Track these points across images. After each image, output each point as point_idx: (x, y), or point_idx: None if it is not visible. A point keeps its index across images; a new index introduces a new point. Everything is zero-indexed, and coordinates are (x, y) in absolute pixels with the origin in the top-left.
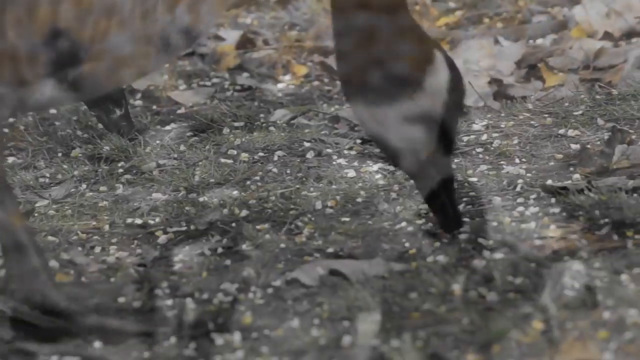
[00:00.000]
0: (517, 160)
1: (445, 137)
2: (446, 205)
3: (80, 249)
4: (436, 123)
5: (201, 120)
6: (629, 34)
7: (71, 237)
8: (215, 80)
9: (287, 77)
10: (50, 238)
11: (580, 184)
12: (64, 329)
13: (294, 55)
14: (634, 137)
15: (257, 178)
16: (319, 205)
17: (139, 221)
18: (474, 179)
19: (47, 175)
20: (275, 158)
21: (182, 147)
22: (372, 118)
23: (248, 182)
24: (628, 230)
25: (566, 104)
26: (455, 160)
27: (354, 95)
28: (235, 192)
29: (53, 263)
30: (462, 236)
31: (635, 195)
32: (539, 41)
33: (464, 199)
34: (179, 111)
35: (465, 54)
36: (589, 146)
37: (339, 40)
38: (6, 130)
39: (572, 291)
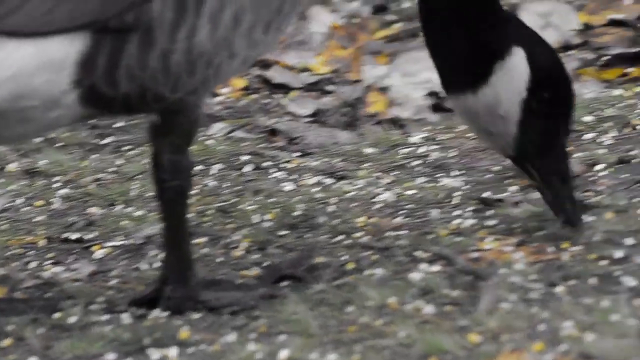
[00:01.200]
0: (454, 173)
1: (545, 136)
2: (564, 198)
3: (16, 263)
4: (510, 121)
5: (139, 134)
6: (565, 46)
7: (7, 252)
8: None
9: (226, 90)
10: None
11: (516, 196)
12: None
13: None
14: (570, 149)
15: (195, 192)
16: (256, 219)
17: (75, 236)
18: (412, 192)
19: None
20: (213, 172)
21: (119, 161)
22: (459, 108)
23: None
24: (563, 243)
25: None
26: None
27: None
28: None
29: None
30: (400, 249)
31: None
32: None
33: (402, 212)
34: (116, 125)
35: (403, 67)
36: None
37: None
38: None
39: (508, 303)
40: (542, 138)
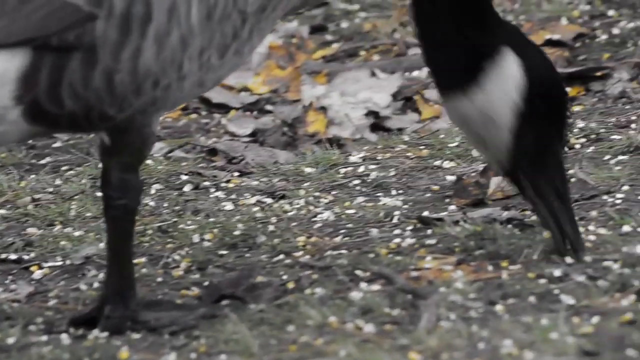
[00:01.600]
0: (393, 192)
1: (532, 146)
2: (563, 218)
3: None
4: (502, 126)
5: (77, 154)
6: None
7: None
8: None
9: None
10: None
11: (455, 215)
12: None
13: None
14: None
15: None
16: (196, 238)
17: (13, 256)
18: (352, 211)
19: None
20: (153, 191)
21: (58, 181)
22: (451, 111)
23: None
24: (503, 261)
25: (442, 136)
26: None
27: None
28: None
29: None
30: (340, 268)
31: (509, 226)
32: (415, 73)
33: (342, 231)
34: (54, 145)
35: (342, 86)
36: (464, 178)
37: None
38: None
39: (448, 322)
40: (536, 147)
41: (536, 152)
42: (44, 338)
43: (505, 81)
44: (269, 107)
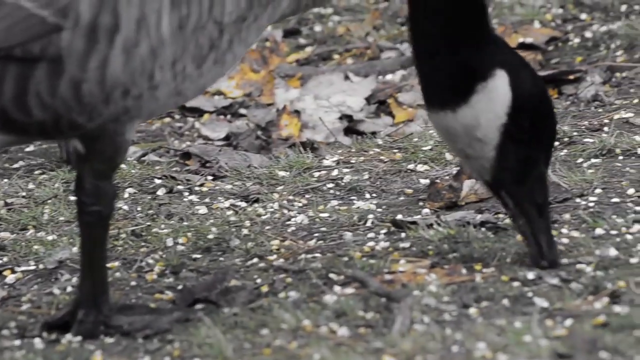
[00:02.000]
0: (367, 196)
1: (516, 164)
2: (539, 231)
3: None
4: (487, 145)
5: (51, 158)
6: None
7: None
8: None
9: None
10: None
11: (429, 219)
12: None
13: None
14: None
15: None
16: (170, 242)
17: None
18: (325, 214)
19: None
20: (126, 195)
21: (30, 185)
22: (437, 126)
23: None
24: (476, 264)
25: (415, 139)
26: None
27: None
28: None
29: None
30: (314, 272)
31: (483, 229)
32: (389, 77)
33: (316, 235)
34: (28, 149)
35: (315, 90)
36: (437, 181)
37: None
38: None
39: (422, 325)
40: (520, 165)
41: (520, 169)
42: (17, 342)
43: (495, 103)
44: (242, 111)
